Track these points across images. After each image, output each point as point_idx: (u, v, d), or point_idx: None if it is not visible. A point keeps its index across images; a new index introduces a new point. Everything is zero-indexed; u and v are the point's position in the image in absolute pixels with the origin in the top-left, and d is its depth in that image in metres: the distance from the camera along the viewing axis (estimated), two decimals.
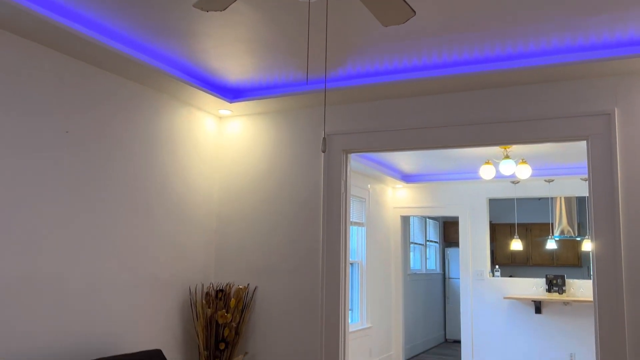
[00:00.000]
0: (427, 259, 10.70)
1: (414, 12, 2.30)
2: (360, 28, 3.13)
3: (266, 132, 4.46)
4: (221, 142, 4.62)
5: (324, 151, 2.16)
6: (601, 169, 3.45)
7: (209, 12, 2.51)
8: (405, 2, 2.24)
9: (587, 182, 7.34)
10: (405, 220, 9.16)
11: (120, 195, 3.63)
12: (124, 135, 3.69)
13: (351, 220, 7.25)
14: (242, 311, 4.20)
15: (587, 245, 7.84)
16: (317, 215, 4.17)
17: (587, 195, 3.49)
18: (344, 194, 4.16)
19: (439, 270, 11.35)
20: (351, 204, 7.29)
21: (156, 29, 3.15)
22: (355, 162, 6.55)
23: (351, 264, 7.39)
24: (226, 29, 3.16)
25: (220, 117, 4.64)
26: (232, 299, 4.13)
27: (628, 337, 3.28)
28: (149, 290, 3.82)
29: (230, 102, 4.26)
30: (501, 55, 3.46)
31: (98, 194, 3.47)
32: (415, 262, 10.08)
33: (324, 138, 2.21)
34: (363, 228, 7.64)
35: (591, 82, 3.55)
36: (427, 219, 10.89)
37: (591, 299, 7.11)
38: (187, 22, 3.06)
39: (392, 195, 8.75)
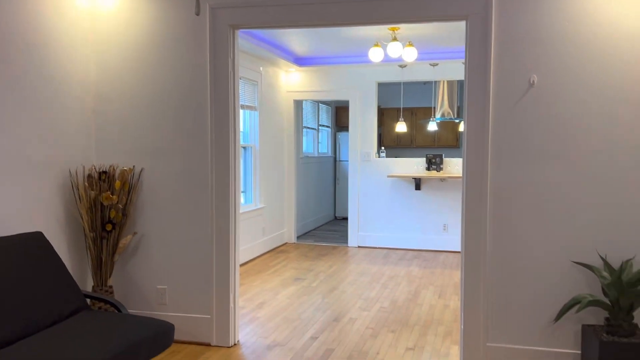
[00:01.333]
0: (319, 143, 10.98)
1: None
2: None
3: (145, 4, 4.14)
4: (98, 14, 4.23)
5: (197, 14, 2.05)
6: (477, 50, 3.62)
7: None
8: None
9: None
10: (298, 104, 9.21)
11: None
12: None
13: (243, 103, 7.16)
14: (129, 193, 4.13)
15: (462, 126, 8.41)
16: (205, 97, 4.06)
17: None
18: (232, 74, 4.06)
19: (330, 153, 11.73)
20: (242, 87, 7.16)
21: None
22: (247, 42, 6.34)
23: (244, 147, 7.42)
24: None
25: None
26: (117, 181, 4.04)
27: (489, 208, 3.67)
28: (23, 174, 3.62)
29: None
30: None
31: None
32: (307, 146, 10.32)
33: None
34: (256, 112, 7.60)
35: None
36: (320, 104, 11.03)
37: None
38: None
39: (285, 79, 8.69)
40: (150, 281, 4.26)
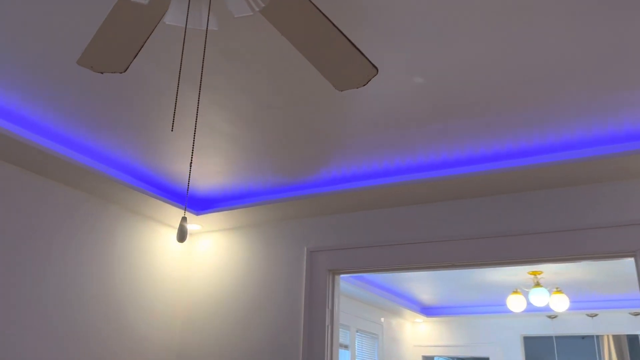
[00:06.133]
0: None
1: (376, 68, 1.68)
2: (342, 120, 2.53)
3: (238, 251, 3.75)
4: (190, 263, 3.90)
5: (180, 240, 1.43)
6: None
7: (105, 74, 1.95)
8: (363, 55, 1.63)
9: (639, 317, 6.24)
10: None
11: (54, 320, 2.87)
12: (64, 253, 3.03)
13: None
14: None
15: None
16: (296, 353, 3.29)
17: None
18: (330, 327, 3.30)
19: None
20: (360, 341, 6.28)
21: (99, 125, 2.60)
22: (364, 290, 5.68)
23: None
24: (189, 130, 2.60)
25: (190, 234, 3.97)
26: None
27: None
28: None
29: (198, 215, 3.62)
30: (515, 149, 2.78)
31: (28, 323, 2.73)
32: None
33: (182, 219, 1.46)
34: None
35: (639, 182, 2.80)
36: None
37: None
38: (151, 122, 2.52)
39: (412, 331, 7.68)
40: None
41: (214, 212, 3.56)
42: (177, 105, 2.47)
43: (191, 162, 1.78)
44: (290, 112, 2.51)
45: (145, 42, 1.63)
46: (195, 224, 3.76)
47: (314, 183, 3.29)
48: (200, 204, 3.63)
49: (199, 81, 2.28)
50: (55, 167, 2.89)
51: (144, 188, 3.24)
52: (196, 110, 2.39)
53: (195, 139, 2.76)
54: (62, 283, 3.02)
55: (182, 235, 1.38)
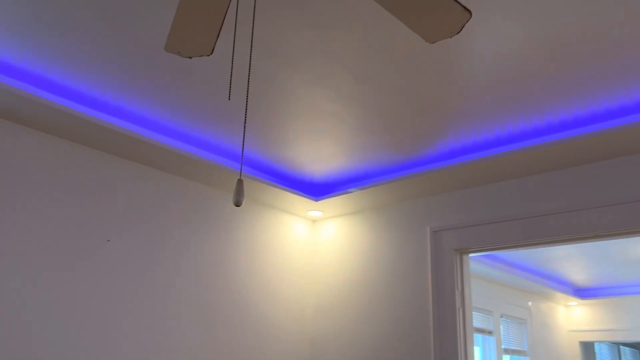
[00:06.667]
0: None
1: (469, 12, 1.48)
2: (453, 85, 2.33)
3: (360, 235, 3.67)
4: (315, 250, 3.91)
5: (237, 204, 1.34)
6: None
7: (192, 58, 1.96)
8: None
9: None
10: (587, 347, 7.26)
11: (185, 311, 3.04)
12: (191, 245, 3.18)
13: (507, 347, 5.82)
14: None
15: None
16: (426, 337, 3.13)
17: None
18: (461, 310, 3.10)
19: None
20: (506, 327, 5.89)
21: (218, 119, 2.69)
22: (506, 273, 5.31)
23: None
24: (305, 114, 2.58)
25: (313, 221, 3.98)
26: None
27: None
28: None
29: (317, 200, 3.60)
30: None
31: (159, 309, 2.92)
32: None
33: (238, 181, 1.36)
34: (526, 359, 6.09)
35: None
36: (621, 346, 8.63)
37: None
38: (258, 109, 2.56)
39: (565, 316, 7.06)
40: None
41: (332, 196, 3.52)
42: (263, 85, 2.44)
43: (245, 121, 1.72)
44: (395, 82, 2.36)
45: (223, 20, 1.61)
46: (317, 210, 3.75)
47: (432, 158, 3.10)
48: (318, 189, 3.61)
49: (285, 56, 2.23)
50: (185, 164, 3.03)
51: (263, 177, 3.29)
52: (294, 91, 2.34)
53: (301, 123, 2.73)
54: (194, 276, 3.17)
55: (237, 199, 1.32)
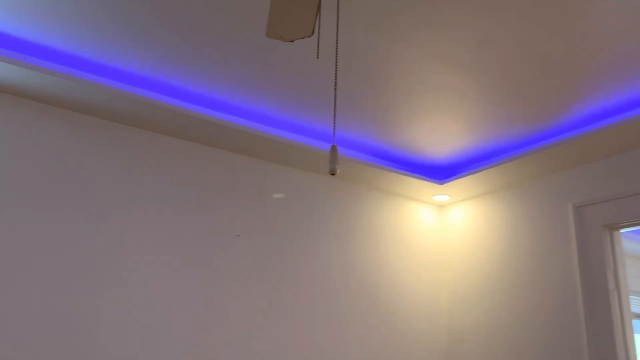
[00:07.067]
0: None
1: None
2: (584, 36, 2.08)
3: (493, 218, 3.42)
4: (444, 237, 3.73)
5: (331, 172, 1.23)
6: None
7: (294, 41, 1.90)
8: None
9: None
10: None
11: (317, 306, 3.06)
12: (322, 240, 3.19)
13: None
14: None
15: None
16: (576, 323, 2.83)
17: None
18: (616, 292, 2.76)
19: None
20: None
21: (328, 107, 2.67)
22: None
23: None
24: (417, 91, 2.48)
25: (439, 206, 3.80)
26: None
27: None
28: None
29: (442, 184, 3.42)
30: None
31: (283, 302, 2.97)
32: None
33: (332, 147, 1.24)
34: None
35: None
36: None
37: None
38: (370, 92, 2.50)
39: None
40: None
41: (459, 178, 3.33)
42: (372, 59, 2.34)
43: (335, 86, 1.63)
44: (515, 43, 2.15)
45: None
46: (443, 194, 3.57)
47: (566, 126, 2.79)
48: (442, 172, 3.43)
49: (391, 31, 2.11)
50: (309, 159, 3.06)
51: (381, 163, 3.20)
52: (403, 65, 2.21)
53: (414, 101, 2.60)
54: (322, 268, 3.16)
55: (332, 167, 1.23)
